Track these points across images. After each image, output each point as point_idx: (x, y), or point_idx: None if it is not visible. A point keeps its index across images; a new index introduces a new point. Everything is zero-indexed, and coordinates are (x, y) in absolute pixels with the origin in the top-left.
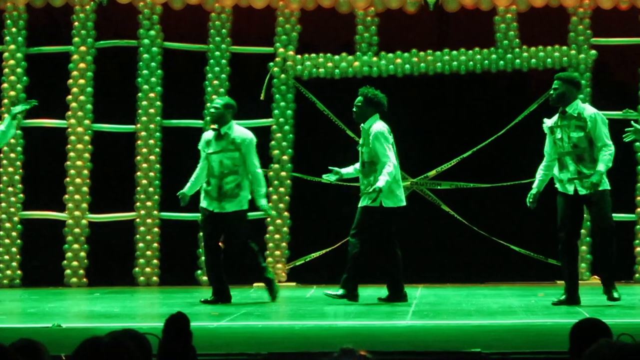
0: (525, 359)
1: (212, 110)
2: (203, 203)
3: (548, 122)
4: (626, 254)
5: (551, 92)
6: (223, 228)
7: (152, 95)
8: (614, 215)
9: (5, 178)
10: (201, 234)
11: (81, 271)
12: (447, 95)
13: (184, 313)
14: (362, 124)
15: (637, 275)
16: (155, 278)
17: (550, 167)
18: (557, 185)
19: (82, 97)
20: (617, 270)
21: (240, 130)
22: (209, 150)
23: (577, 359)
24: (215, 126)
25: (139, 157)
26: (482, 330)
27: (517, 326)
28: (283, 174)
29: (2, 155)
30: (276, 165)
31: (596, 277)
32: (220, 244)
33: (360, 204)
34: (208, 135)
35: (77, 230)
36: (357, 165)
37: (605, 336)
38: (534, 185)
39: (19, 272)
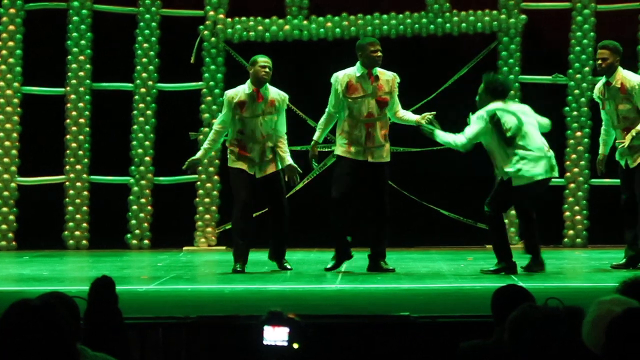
0: (453, 322)
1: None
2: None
3: None
4: (555, 219)
5: None
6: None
7: (81, 58)
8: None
9: None
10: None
11: (10, 234)
12: None
13: (109, 277)
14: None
15: (565, 239)
16: (84, 242)
17: None
18: None
19: (11, 60)
20: (546, 234)
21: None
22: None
23: (502, 325)
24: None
25: (68, 120)
26: (411, 294)
27: (446, 290)
28: None
29: None
30: (206, 129)
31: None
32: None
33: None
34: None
35: (6, 193)
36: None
37: (526, 302)
38: None
39: None
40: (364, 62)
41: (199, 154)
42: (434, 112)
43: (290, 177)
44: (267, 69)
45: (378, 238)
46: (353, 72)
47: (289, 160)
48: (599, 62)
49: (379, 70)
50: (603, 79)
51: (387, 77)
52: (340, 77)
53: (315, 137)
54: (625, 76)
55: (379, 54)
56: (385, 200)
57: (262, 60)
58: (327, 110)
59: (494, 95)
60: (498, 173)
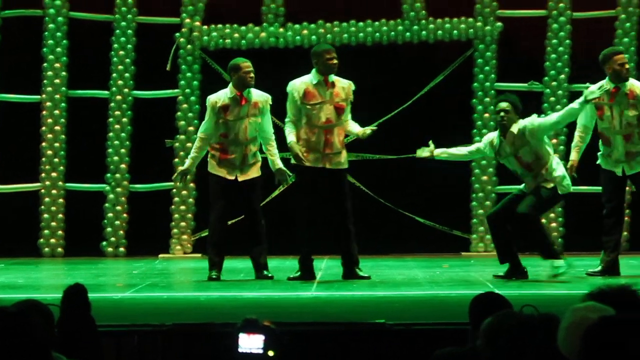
0: (429, 329)
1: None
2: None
3: None
4: None
5: None
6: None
7: (57, 65)
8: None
9: None
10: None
11: None
12: (353, 67)
13: (81, 284)
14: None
15: None
16: (60, 249)
17: None
18: None
19: None
20: (522, 242)
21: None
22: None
23: (478, 332)
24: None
25: (44, 128)
26: (386, 301)
27: (422, 297)
28: (189, 145)
29: None
30: (182, 136)
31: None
32: None
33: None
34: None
35: None
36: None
37: (504, 309)
38: None
39: None
40: (319, 69)
41: (187, 164)
42: (375, 127)
43: (281, 180)
44: (251, 74)
45: (348, 245)
46: (309, 79)
47: (279, 164)
48: (627, 66)
49: (334, 78)
50: (606, 84)
51: (343, 84)
52: (297, 85)
53: (294, 139)
54: (633, 82)
55: (335, 61)
56: (347, 207)
57: (245, 65)
58: (287, 120)
59: (520, 113)
60: (533, 183)
